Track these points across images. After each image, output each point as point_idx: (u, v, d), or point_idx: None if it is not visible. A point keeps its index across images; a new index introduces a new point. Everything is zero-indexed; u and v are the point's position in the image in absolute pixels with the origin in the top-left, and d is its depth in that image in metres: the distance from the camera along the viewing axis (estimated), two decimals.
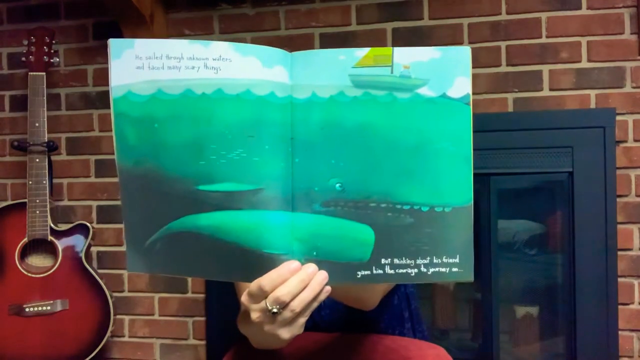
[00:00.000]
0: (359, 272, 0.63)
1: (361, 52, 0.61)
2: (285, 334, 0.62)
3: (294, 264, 0.61)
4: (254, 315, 0.62)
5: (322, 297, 0.62)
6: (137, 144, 0.62)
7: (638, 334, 1.58)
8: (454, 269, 0.64)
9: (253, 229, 0.61)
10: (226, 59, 0.59)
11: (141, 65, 0.60)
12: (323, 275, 0.62)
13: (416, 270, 0.63)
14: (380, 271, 0.63)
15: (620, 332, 1.56)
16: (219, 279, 0.66)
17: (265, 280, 0.60)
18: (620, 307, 1.56)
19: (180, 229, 0.63)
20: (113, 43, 0.60)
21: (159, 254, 0.65)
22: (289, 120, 0.61)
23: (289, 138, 0.61)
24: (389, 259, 0.63)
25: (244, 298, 0.63)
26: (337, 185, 0.62)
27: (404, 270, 0.64)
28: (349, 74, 0.61)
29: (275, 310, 0.60)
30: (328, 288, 0.63)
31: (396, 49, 0.61)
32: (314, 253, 0.62)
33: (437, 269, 0.64)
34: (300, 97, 0.61)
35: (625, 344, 1.58)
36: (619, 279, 1.57)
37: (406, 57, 0.60)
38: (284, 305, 0.60)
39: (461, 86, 0.61)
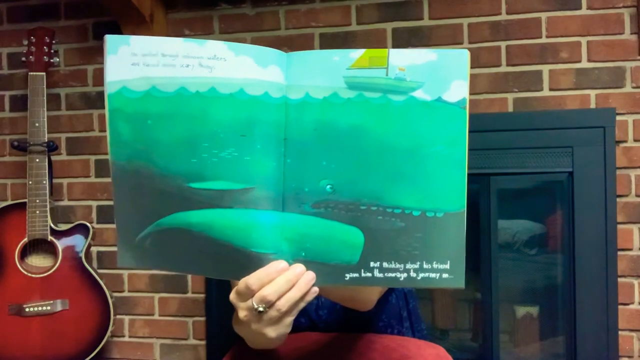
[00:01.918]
0: (347, 275, 0.63)
1: (356, 54, 0.60)
2: (272, 332, 0.63)
3: (281, 263, 0.61)
4: (242, 314, 0.63)
5: (309, 297, 0.62)
6: (130, 140, 0.62)
7: (638, 334, 1.58)
8: (445, 275, 0.63)
9: (242, 228, 0.61)
10: (220, 58, 0.59)
11: (137, 62, 0.60)
12: (310, 275, 0.62)
13: (405, 274, 0.63)
14: (369, 274, 0.63)
15: (620, 332, 1.56)
16: (209, 275, 0.67)
17: (252, 279, 0.61)
18: (620, 307, 1.56)
19: (171, 226, 0.63)
20: (109, 39, 0.61)
21: (150, 249, 0.65)
22: (283, 121, 0.61)
23: (282, 138, 0.61)
24: (378, 263, 0.63)
25: (232, 296, 0.64)
26: (328, 186, 0.62)
27: (393, 275, 0.63)
28: (343, 76, 0.60)
29: (261, 309, 0.61)
30: (315, 289, 0.63)
31: (392, 50, 0.60)
32: (303, 254, 0.63)
33: (427, 275, 0.63)
34: (295, 98, 0.61)
35: (625, 344, 1.58)
36: (619, 279, 1.56)
37: (402, 59, 0.60)
38: (270, 304, 0.61)
39: (458, 90, 0.60)
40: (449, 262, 0.63)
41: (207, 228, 0.62)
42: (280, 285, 0.60)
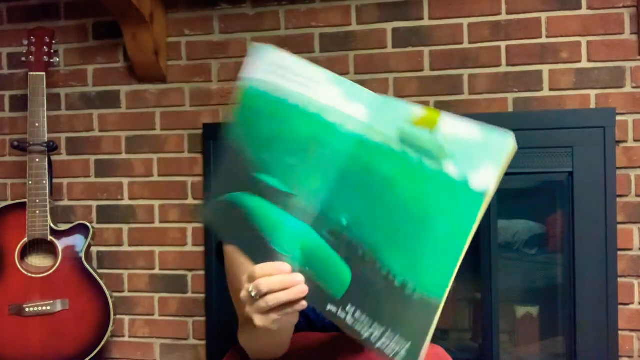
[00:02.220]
0: (328, 305, 0.68)
1: (418, 111, 0.63)
2: (258, 321, 0.69)
3: (285, 266, 0.68)
4: (242, 293, 0.70)
5: (297, 307, 0.68)
6: (239, 124, 0.74)
7: (638, 334, 1.58)
8: (401, 354, 0.63)
9: (273, 225, 0.70)
10: (317, 81, 0.68)
11: (267, 69, 0.72)
12: (303, 288, 0.67)
13: (369, 333, 0.65)
14: (343, 315, 0.67)
15: (620, 332, 1.56)
16: (239, 249, 0.78)
17: (258, 268, 0.68)
18: (620, 307, 1.56)
19: (233, 201, 0.75)
20: (255, 46, 0.73)
21: (216, 212, 0.77)
22: (348, 152, 0.65)
23: (339, 167, 0.66)
24: (354, 309, 0.66)
25: (244, 277, 0.71)
26: (344, 220, 0.67)
27: (360, 327, 0.66)
28: (399, 128, 0.63)
29: (253, 294, 0.68)
30: (304, 303, 0.68)
31: (444, 116, 0.61)
32: (307, 268, 0.68)
33: (386, 343, 0.64)
34: (364, 136, 0.65)
35: (625, 344, 1.58)
36: (619, 279, 1.56)
37: (449, 127, 0.61)
38: (260, 294, 0.67)
39: (486, 174, 0.59)
40: (410, 343, 0.63)
41: (251, 213, 0.72)
42: (274, 282, 0.66)
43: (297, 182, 0.69)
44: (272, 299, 0.66)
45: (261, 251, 0.71)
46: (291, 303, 0.67)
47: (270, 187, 0.71)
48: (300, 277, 0.67)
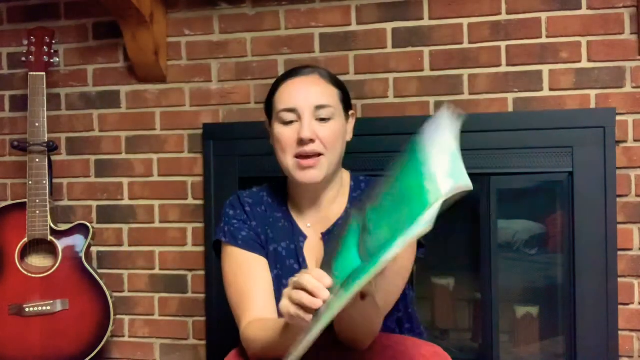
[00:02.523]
0: (316, 324, 0.74)
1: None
2: (282, 303, 0.79)
3: (327, 280, 0.76)
4: (294, 277, 0.80)
5: (305, 316, 0.75)
6: (399, 161, 0.78)
7: (638, 334, 1.58)
8: None
9: (346, 248, 0.79)
10: (441, 147, 0.71)
11: (434, 124, 0.74)
12: (317, 302, 0.74)
13: (290, 357, 0.76)
14: (307, 335, 0.74)
15: (620, 332, 1.56)
16: (326, 250, 0.92)
17: (315, 270, 0.78)
18: (620, 307, 1.56)
19: (350, 215, 0.85)
20: (446, 108, 0.76)
21: (346, 218, 0.88)
22: (419, 214, 0.67)
23: (406, 228, 0.68)
24: (316, 320, 0.74)
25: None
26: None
27: (296, 345, 0.74)
28: (437, 198, 0.66)
29: (293, 280, 0.79)
30: (310, 316, 0.75)
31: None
32: (338, 292, 0.74)
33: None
34: (431, 209, 0.67)
35: (625, 344, 1.58)
36: (619, 279, 1.56)
37: (451, 194, 0.66)
38: (295, 286, 0.77)
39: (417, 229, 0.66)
40: None
41: (347, 231, 0.82)
42: (308, 283, 0.75)
43: (378, 224, 0.75)
44: (298, 293, 0.75)
45: (326, 260, 0.84)
46: (305, 308, 0.74)
47: (364, 218, 0.79)
48: (325, 294, 0.74)
